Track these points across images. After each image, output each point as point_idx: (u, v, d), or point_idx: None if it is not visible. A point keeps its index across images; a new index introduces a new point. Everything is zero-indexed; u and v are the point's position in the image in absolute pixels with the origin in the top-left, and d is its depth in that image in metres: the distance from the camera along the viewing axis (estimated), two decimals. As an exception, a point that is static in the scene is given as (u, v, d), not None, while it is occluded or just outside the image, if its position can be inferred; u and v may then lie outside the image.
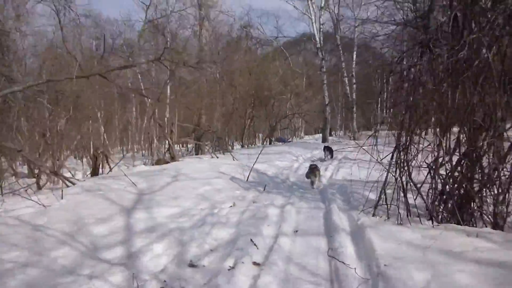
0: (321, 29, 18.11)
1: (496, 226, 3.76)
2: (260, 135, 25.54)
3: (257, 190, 6.48)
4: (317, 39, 17.88)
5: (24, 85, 6.14)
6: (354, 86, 19.84)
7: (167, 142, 12.02)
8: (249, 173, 7.80)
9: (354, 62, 19.52)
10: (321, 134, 22.91)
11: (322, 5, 18.19)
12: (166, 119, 13.99)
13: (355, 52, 19.39)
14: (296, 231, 3.87)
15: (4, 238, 3.49)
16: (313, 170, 7.26)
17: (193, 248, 3.38)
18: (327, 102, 19.25)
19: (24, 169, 9.10)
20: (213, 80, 18.30)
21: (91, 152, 9.84)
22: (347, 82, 19.66)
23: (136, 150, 18.31)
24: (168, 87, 15.02)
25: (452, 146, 3.96)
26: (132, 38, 21.78)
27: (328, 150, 11.39)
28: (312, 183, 7.07)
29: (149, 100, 13.25)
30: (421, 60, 3.78)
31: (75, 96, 9.43)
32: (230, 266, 2.93)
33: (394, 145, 4.26)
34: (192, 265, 3.05)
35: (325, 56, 18.87)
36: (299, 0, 19.83)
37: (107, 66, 9.74)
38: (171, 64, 9.55)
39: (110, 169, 9.13)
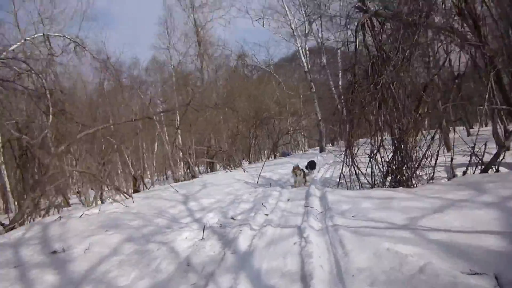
0: (307, 54, 21.08)
1: (407, 187, 6.47)
2: (265, 152, 28.33)
3: (264, 187, 9.19)
4: (305, 64, 20.84)
5: (96, 128, 9.02)
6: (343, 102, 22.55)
7: (187, 162, 14.86)
8: (258, 178, 10.52)
9: (340, 80, 22.42)
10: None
11: (306, 31, 21.22)
12: (177, 144, 16.85)
13: (340, 73, 22.33)
14: (288, 199, 6.62)
15: (123, 217, 6.24)
16: (293, 169, 8.42)
17: (230, 212, 6.11)
18: (319, 118, 22.05)
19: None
20: (212, 106, 21.20)
21: (132, 175, 12.70)
22: (336, 98, 22.49)
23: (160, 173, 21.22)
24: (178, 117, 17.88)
25: (378, 144, 6.74)
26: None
27: (310, 165, 11.96)
28: (295, 181, 8.39)
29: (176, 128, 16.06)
30: (352, 94, 6.59)
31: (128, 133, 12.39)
32: (252, 216, 5.64)
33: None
34: (232, 218, 5.77)
35: (313, 78, 21.75)
36: (286, 29, 22.61)
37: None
38: (198, 107, 12.56)
39: (147, 188, 11.95)
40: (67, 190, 10.02)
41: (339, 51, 21.25)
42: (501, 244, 2.86)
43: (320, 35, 22.16)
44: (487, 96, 6.63)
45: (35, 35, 10.52)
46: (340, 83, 22.62)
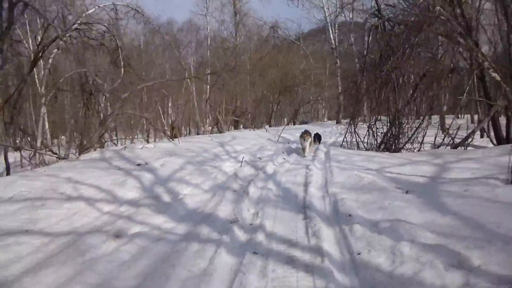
0: (336, 32, 22.67)
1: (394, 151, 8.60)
2: (285, 119, 30.41)
3: (283, 144, 11.43)
4: (332, 40, 22.50)
5: (154, 81, 11.31)
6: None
7: (216, 118, 17.19)
8: (278, 137, 12.74)
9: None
10: (339, 117, 27.48)
11: (337, 13, 22.75)
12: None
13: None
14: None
15: (177, 150, 8.60)
16: (302, 135, 8.54)
17: (258, 155, 8.39)
18: (340, 91, 23.91)
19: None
20: (245, 71, 23.24)
21: (171, 124, 15.10)
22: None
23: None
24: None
25: (375, 118, 8.85)
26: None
27: (317, 137, 12.01)
28: (303, 149, 8.41)
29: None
30: (363, 77, 8.64)
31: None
32: (274, 158, 7.89)
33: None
34: (259, 158, 8.06)
35: (339, 53, 23.42)
36: (317, 9, 24.08)
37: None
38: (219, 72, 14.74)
39: (182, 135, 14.32)
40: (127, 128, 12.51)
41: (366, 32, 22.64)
42: (421, 180, 5.04)
43: (351, 16, 23.53)
44: (467, 89, 8.61)
45: (106, 4, 12.60)
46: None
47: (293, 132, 15.34)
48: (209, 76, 17.91)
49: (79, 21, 10.56)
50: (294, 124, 26.32)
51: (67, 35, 9.74)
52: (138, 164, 7.27)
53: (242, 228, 3.52)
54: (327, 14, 22.65)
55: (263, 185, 5.31)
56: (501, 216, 3.34)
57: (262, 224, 3.56)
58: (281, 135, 13.12)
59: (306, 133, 8.51)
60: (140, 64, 15.52)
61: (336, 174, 5.56)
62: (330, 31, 22.59)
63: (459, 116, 21.27)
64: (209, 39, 24.36)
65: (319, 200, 4.37)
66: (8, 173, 8.55)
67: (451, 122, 8.86)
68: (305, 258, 2.77)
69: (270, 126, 24.98)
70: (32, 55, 7.65)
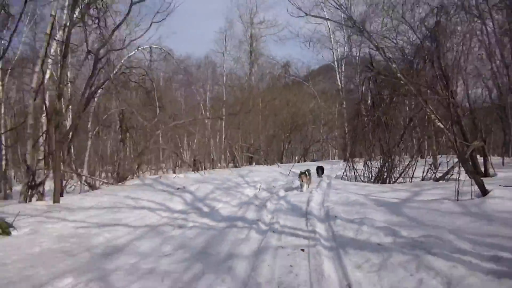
0: (342, 75, 24.89)
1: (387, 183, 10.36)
2: (296, 157, 32.22)
3: (293, 177, 13.27)
4: (339, 82, 24.76)
5: (184, 120, 13.42)
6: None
7: (233, 154, 19.18)
8: (289, 172, 14.59)
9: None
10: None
11: (345, 55, 25.10)
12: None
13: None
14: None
15: (206, 179, 10.53)
16: (300, 175, 9.32)
17: (272, 184, 10.25)
18: (346, 131, 25.79)
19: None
20: (258, 111, 25.37)
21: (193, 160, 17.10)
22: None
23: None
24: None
25: (369, 156, 10.71)
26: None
27: (320, 169, 12.66)
28: (301, 185, 9.14)
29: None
30: (358, 121, 10.59)
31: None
32: (286, 186, 9.73)
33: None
34: (273, 186, 9.91)
35: (345, 96, 25.51)
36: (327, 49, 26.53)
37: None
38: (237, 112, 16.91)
39: (204, 169, 16.27)
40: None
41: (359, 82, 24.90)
42: (395, 200, 6.84)
43: (358, 60, 25.79)
44: (446, 131, 10.47)
45: (144, 46, 14.99)
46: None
47: (302, 168, 17.22)
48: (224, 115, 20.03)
49: (122, 64, 12.71)
50: (304, 161, 28.14)
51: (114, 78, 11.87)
52: (178, 188, 9.21)
53: (264, 223, 5.36)
54: (335, 56, 24.98)
55: (276, 203, 7.16)
56: (436, 218, 5.14)
57: (277, 221, 5.40)
58: (291, 170, 14.98)
59: (303, 173, 9.31)
60: (164, 101, 17.73)
61: (331, 195, 7.40)
62: (337, 73, 24.85)
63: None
64: (225, 76, 26.81)
65: (316, 210, 6.19)
66: (61, 195, 10.46)
67: (434, 161, 10.69)
68: (304, 234, 4.60)
69: (281, 163, 26.88)
70: (86, 95, 9.59)
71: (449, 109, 10.71)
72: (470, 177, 7.04)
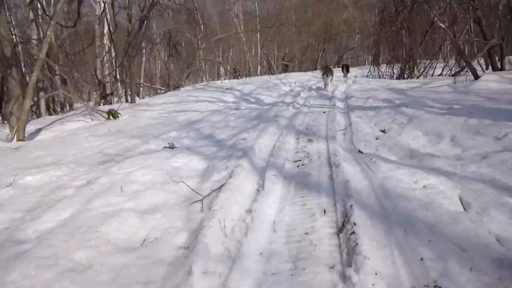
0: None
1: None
2: (331, 66, 33.21)
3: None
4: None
5: (225, 34, 15.04)
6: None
7: (269, 63, 20.81)
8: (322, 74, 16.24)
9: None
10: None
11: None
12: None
13: None
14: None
15: (250, 82, 12.45)
16: (325, 71, 9.86)
17: (305, 83, 12.04)
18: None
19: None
20: (290, 23, 26.23)
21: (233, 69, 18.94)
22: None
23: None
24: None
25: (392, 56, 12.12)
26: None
27: (345, 67, 14.08)
28: (325, 85, 9.82)
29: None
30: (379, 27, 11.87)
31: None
32: (316, 85, 11.52)
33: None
34: (306, 85, 11.72)
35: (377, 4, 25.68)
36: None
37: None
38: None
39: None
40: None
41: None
42: (404, 87, 8.53)
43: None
44: (464, 31, 11.63)
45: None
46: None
47: (334, 72, 18.76)
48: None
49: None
50: (339, 67, 29.30)
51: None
52: (227, 88, 11.21)
53: (298, 104, 7.33)
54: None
55: (308, 93, 9.06)
56: (428, 94, 6.87)
57: (308, 102, 7.35)
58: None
59: (327, 70, 9.88)
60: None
61: (353, 86, 9.19)
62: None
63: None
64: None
65: (339, 95, 8.10)
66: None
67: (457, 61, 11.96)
68: (326, 107, 6.55)
69: (315, 69, 28.22)
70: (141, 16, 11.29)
71: (468, 11, 11.80)
72: (466, 65, 8.55)
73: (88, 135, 5.83)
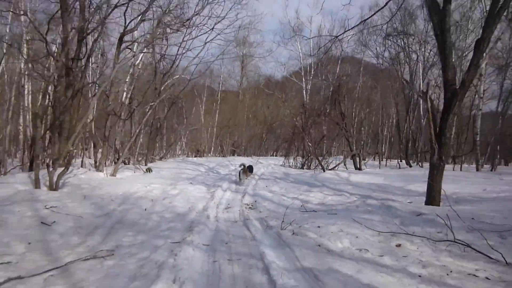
0: (308, 92, 35.65)
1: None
2: (269, 152, 43.22)
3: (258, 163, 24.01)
4: (305, 98, 35.61)
5: (197, 127, 23.99)
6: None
7: (222, 147, 29.92)
8: (256, 161, 25.30)
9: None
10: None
11: (313, 73, 35.91)
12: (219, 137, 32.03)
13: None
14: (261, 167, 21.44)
15: (211, 160, 21.20)
16: (242, 169, 13.64)
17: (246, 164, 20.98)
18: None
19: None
20: (242, 116, 36.23)
21: (197, 150, 27.83)
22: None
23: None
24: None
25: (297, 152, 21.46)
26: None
27: (249, 168, 15.76)
28: (240, 179, 13.26)
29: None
30: (292, 134, 21.36)
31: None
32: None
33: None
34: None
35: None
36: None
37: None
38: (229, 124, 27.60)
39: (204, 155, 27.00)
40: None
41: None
42: (294, 173, 17.59)
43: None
44: (342, 140, 21.32)
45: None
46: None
47: (267, 160, 28.04)
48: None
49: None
50: (276, 156, 39.10)
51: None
52: (199, 164, 19.80)
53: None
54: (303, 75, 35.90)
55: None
56: (298, 177, 15.84)
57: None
58: (258, 160, 25.71)
59: (244, 169, 13.87)
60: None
61: (265, 169, 18.15)
62: (304, 91, 35.64)
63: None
64: (220, 84, 37.55)
65: (259, 173, 16.93)
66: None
67: (331, 161, 21.52)
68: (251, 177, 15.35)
69: (258, 155, 37.72)
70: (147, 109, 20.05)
71: (341, 128, 21.70)
72: (320, 164, 17.88)
73: (145, 177, 14.05)
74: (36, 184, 9.36)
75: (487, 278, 4.13)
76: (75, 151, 12.85)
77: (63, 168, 10.29)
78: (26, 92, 17.00)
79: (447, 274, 4.24)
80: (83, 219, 7.13)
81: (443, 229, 5.66)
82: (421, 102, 25.71)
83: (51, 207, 7.61)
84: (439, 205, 8.42)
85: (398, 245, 5.30)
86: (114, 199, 9.26)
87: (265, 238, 6.00)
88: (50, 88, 14.23)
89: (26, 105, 16.93)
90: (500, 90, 24.23)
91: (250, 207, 9.31)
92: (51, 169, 9.82)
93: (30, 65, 15.52)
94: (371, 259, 4.82)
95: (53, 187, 9.48)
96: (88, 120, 14.44)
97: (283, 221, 6.70)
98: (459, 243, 5.06)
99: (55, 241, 5.79)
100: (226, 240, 6.03)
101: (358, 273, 4.25)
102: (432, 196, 8.78)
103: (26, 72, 16.07)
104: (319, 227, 6.32)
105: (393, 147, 37.34)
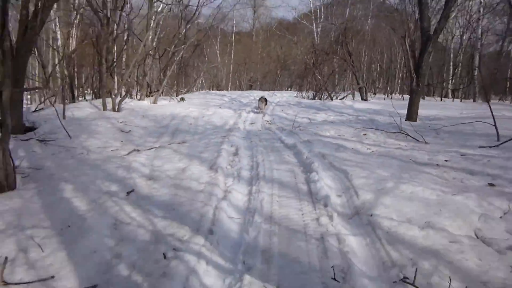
0: (319, 34, 37.85)
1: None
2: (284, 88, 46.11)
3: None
4: (316, 39, 37.82)
5: (216, 64, 26.97)
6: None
7: (239, 82, 32.98)
8: (273, 94, 28.38)
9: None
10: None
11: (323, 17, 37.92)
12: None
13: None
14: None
15: (233, 92, 24.41)
16: (260, 99, 14.88)
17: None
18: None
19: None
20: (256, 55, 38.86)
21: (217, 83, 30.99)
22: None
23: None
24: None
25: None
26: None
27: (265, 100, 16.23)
28: (259, 107, 14.78)
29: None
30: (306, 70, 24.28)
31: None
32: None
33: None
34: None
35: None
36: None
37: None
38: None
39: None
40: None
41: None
42: (308, 103, 20.78)
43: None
44: (351, 77, 24.22)
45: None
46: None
47: (283, 94, 31.11)
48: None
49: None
50: (290, 90, 42.05)
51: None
52: (222, 95, 23.01)
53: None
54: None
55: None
56: (310, 104, 19.01)
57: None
58: (274, 93, 28.74)
59: (261, 99, 15.09)
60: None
61: (281, 99, 21.30)
62: (314, 32, 37.88)
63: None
64: (234, 27, 39.91)
65: (275, 101, 20.14)
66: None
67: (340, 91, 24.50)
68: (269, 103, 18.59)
69: (273, 90, 40.72)
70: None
71: (349, 65, 24.49)
72: (328, 95, 20.92)
73: (180, 104, 17.32)
74: (104, 107, 12.60)
75: (405, 146, 7.41)
76: (129, 81, 16.00)
77: (124, 95, 13.62)
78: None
79: (384, 144, 7.56)
80: (149, 129, 10.48)
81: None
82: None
83: (122, 121, 10.98)
84: (415, 121, 11.54)
85: (364, 134, 8.63)
86: (165, 117, 12.50)
87: (281, 133, 9.43)
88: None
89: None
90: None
91: (269, 123, 12.49)
92: (113, 96, 13.14)
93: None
94: (344, 138, 8.24)
95: (115, 109, 12.71)
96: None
97: (293, 125, 10.03)
98: (403, 133, 8.31)
99: (137, 140, 9.04)
100: (256, 134, 9.41)
101: (333, 140, 7.67)
102: (411, 114, 11.96)
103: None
104: (317, 127, 9.68)
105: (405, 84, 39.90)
